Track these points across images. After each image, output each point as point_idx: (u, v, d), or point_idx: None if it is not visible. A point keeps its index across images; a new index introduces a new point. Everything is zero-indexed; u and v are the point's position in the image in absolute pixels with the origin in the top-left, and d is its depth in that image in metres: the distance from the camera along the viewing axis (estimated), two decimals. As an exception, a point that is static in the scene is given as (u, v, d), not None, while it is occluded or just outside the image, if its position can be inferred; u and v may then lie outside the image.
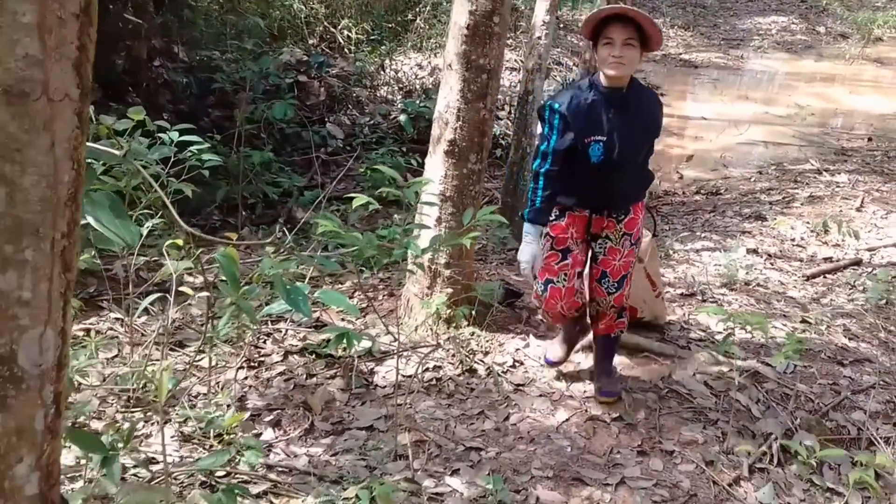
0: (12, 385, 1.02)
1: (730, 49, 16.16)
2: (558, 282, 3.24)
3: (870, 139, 10.17)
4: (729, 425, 3.41)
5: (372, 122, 7.56)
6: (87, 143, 2.15)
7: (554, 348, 3.63)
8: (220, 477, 2.60)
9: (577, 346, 3.76)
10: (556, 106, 3.05)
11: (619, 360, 3.85)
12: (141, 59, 5.41)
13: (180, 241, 2.60)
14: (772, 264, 5.82)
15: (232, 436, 2.51)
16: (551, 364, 3.63)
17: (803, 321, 4.61)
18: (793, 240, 6.44)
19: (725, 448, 3.28)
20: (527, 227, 3.18)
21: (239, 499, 2.44)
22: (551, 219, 3.21)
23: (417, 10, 10.05)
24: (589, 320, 3.51)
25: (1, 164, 0.91)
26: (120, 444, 1.91)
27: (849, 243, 6.33)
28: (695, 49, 15.93)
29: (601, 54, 2.95)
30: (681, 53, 15.43)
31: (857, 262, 5.97)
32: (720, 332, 4.25)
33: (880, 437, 3.49)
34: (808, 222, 6.74)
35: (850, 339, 4.47)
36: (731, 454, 3.25)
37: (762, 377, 3.82)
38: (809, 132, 10.42)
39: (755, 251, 6.00)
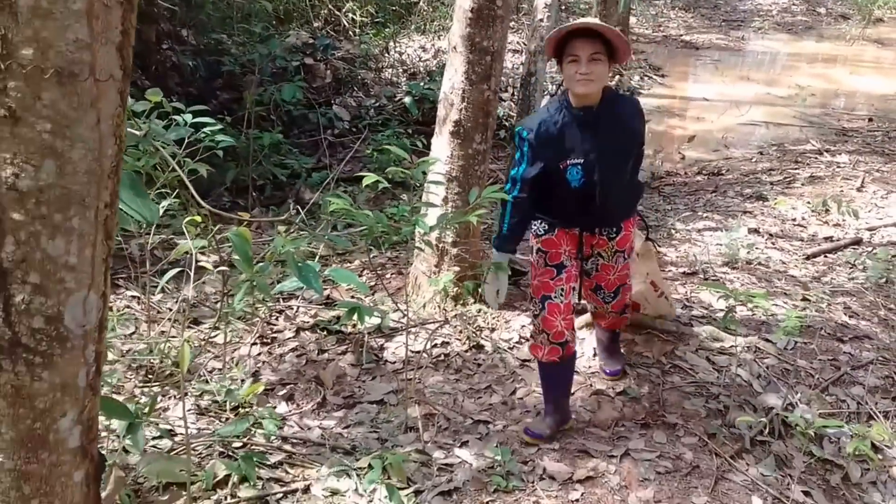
0: (58, 344, 1.09)
1: (730, 30, 16.07)
2: (556, 298, 3.01)
3: (870, 119, 10.13)
4: (730, 399, 3.46)
5: (377, 104, 7.58)
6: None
7: (539, 423, 3.14)
8: (236, 448, 2.66)
9: (581, 322, 3.82)
10: (525, 134, 2.90)
11: (622, 337, 3.92)
12: (150, 43, 5.44)
13: (198, 218, 2.65)
14: (773, 244, 5.85)
15: (248, 407, 2.57)
16: (534, 437, 3.09)
17: (804, 299, 4.66)
18: (794, 220, 6.46)
19: (727, 421, 3.34)
20: (495, 255, 3.09)
21: (256, 468, 2.51)
22: (541, 234, 3.05)
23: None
24: (592, 314, 3.55)
25: (52, 139, 0.97)
26: (144, 413, 1.97)
27: (849, 223, 6.35)
28: (695, 30, 15.85)
29: (567, 72, 2.75)
30: (682, 35, 15.34)
31: (858, 242, 5.98)
32: (722, 310, 4.29)
33: (879, 412, 3.53)
34: (808, 202, 6.75)
35: (850, 316, 4.51)
36: (733, 427, 3.31)
37: (763, 353, 3.87)
38: (810, 113, 10.40)
39: (756, 231, 6.02)
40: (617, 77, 10.68)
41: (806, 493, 3.01)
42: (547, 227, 3.04)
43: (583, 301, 3.48)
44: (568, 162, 2.84)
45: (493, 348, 3.66)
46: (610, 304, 3.26)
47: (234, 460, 2.50)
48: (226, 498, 2.44)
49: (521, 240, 3.13)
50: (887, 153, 8.63)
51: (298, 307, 3.80)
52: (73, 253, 1.05)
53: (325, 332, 3.64)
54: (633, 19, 13.94)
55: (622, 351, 3.68)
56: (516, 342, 3.75)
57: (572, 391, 3.38)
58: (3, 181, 0.97)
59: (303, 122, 6.82)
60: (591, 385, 3.48)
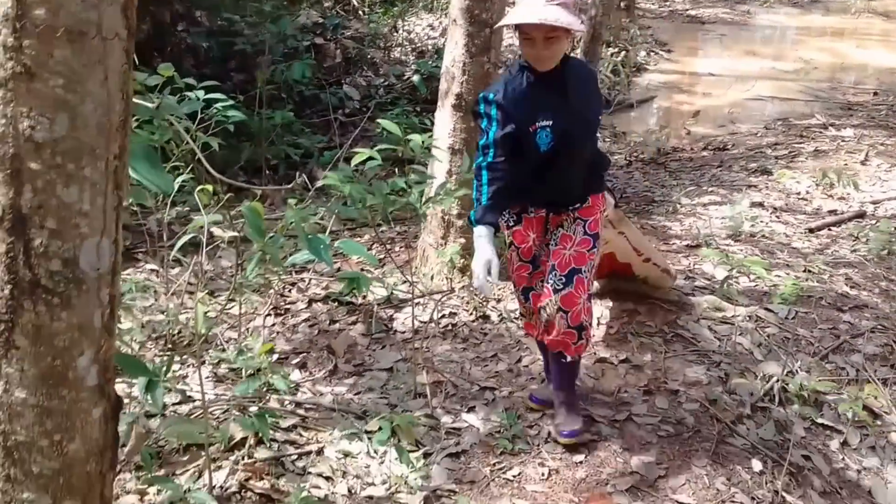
0: (74, 285, 1.14)
1: (736, 4, 15.88)
2: (538, 288, 2.87)
3: (876, 93, 10.05)
4: (732, 367, 3.49)
5: (386, 82, 7.59)
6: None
7: (543, 390, 3.14)
8: (252, 412, 2.72)
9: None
10: (492, 96, 2.66)
11: (623, 308, 3.93)
12: (165, 25, 5.48)
13: (210, 187, 2.69)
14: (777, 217, 5.84)
15: (262, 370, 2.62)
16: (539, 403, 3.10)
17: (806, 270, 4.67)
18: (798, 194, 6.44)
19: (728, 388, 3.37)
20: (476, 230, 2.63)
21: (271, 430, 2.57)
22: (511, 224, 2.86)
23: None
24: (541, 335, 2.89)
25: (64, 94, 1.01)
26: (162, 372, 2.01)
27: (854, 196, 6.34)
28: (701, 5, 15.66)
29: (524, 50, 2.61)
30: (688, 9, 15.19)
31: (861, 215, 5.96)
32: (727, 286, 4.32)
33: (878, 378, 3.56)
34: (813, 176, 6.74)
35: (851, 287, 4.51)
36: (734, 394, 3.34)
37: (764, 322, 3.89)
38: (816, 87, 10.32)
39: (761, 205, 6.01)
40: (623, 53, 10.61)
41: (805, 457, 3.04)
42: (515, 217, 2.84)
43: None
44: (537, 125, 2.63)
45: (499, 318, 3.70)
46: (559, 296, 2.70)
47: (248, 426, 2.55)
48: (242, 458, 2.50)
49: (504, 211, 2.81)
50: (892, 127, 8.57)
51: (310, 280, 3.85)
52: (85, 200, 1.10)
53: (336, 304, 3.69)
54: (639, -6, 13.85)
55: (582, 404, 3.07)
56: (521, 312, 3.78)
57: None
58: (21, 133, 1.01)
59: (314, 101, 6.84)
60: (595, 353, 3.51)
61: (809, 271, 4.64)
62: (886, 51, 12.48)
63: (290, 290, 3.77)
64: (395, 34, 8.45)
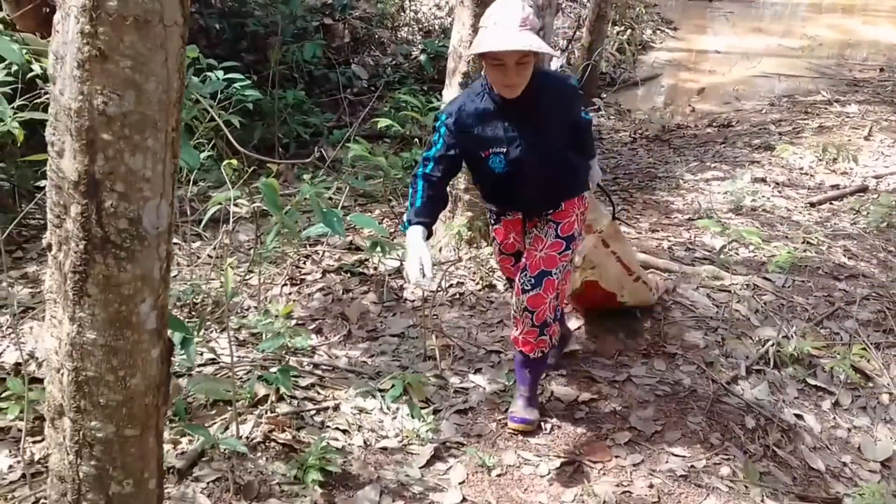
0: (138, 241, 1.33)
1: (745, -18, 15.96)
2: None
3: (882, 70, 10.10)
4: (728, 332, 3.67)
5: (394, 62, 7.75)
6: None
7: (519, 407, 2.97)
8: (273, 372, 2.93)
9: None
10: (444, 118, 2.65)
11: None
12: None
13: (235, 162, 2.89)
14: (779, 192, 5.97)
15: (283, 332, 2.83)
16: (520, 422, 2.94)
17: (805, 242, 4.83)
18: (801, 168, 6.56)
19: (724, 351, 3.56)
20: (408, 231, 2.61)
21: (291, 388, 2.79)
22: (492, 223, 3.01)
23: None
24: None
25: (132, 74, 1.20)
26: (194, 332, 2.22)
27: (856, 171, 6.47)
28: (710, -17, 15.73)
29: (491, 75, 2.52)
30: (696, -12, 15.26)
31: (863, 189, 6.07)
32: (723, 252, 4.50)
33: (871, 343, 3.73)
34: (815, 152, 6.87)
35: (849, 258, 4.67)
36: (730, 357, 3.53)
37: (761, 290, 4.07)
38: (822, 64, 10.37)
39: (763, 180, 6.15)
40: (629, 31, 10.71)
41: (798, 416, 3.23)
42: (496, 217, 2.96)
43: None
44: (490, 151, 2.64)
45: (505, 288, 3.89)
46: (526, 296, 2.73)
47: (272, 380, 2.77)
48: (265, 412, 2.71)
49: (434, 221, 2.71)
50: (896, 103, 8.70)
51: (324, 252, 4.05)
52: (148, 167, 1.29)
53: (348, 274, 3.89)
54: (646, -27, 13.88)
55: (540, 400, 3.10)
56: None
57: (577, 326, 3.63)
58: (95, 108, 1.20)
59: (324, 81, 7.01)
60: (596, 319, 3.70)
61: (808, 243, 4.80)
62: (893, 27, 12.49)
63: (305, 262, 3.97)
64: (403, 14, 8.59)
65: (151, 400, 1.49)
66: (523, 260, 2.81)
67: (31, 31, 1.74)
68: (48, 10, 1.32)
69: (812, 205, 5.72)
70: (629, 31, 10.74)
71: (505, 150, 2.62)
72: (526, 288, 2.74)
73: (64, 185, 1.28)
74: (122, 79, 1.20)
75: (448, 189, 2.80)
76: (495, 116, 2.61)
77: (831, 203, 5.82)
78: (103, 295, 1.35)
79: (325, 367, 3.12)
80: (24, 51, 2.24)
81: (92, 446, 1.48)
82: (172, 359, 1.57)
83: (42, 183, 2.34)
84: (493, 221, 3.00)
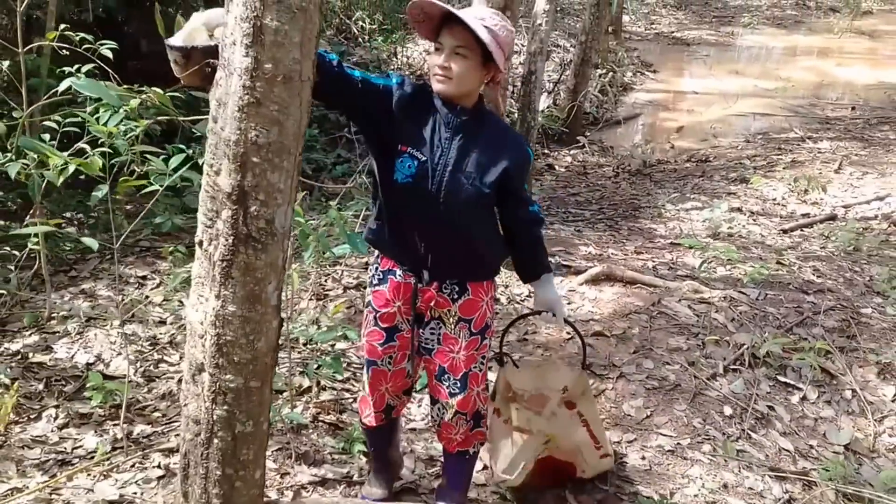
0: (270, 237, 1.88)
1: (721, 26, 16.94)
2: (382, 364, 2.58)
3: (853, 108, 10.95)
4: (708, 337, 4.27)
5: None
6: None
7: (370, 486, 2.88)
8: (313, 369, 3.48)
9: (583, 279, 4.62)
10: (399, 78, 2.33)
11: (615, 292, 4.74)
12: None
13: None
14: (754, 220, 6.65)
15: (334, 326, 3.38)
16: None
17: (777, 262, 5.47)
18: (774, 199, 7.26)
19: (705, 353, 4.15)
20: None
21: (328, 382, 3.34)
22: (374, 283, 2.54)
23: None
24: (435, 431, 2.73)
25: (277, 114, 1.76)
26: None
27: (826, 201, 7.15)
28: (686, 27, 16.70)
29: (429, 61, 2.38)
30: (673, 32, 16.20)
31: (833, 218, 6.74)
32: (703, 271, 5.12)
33: (835, 347, 4.33)
34: (789, 184, 7.56)
35: (817, 276, 5.31)
36: (710, 357, 4.12)
37: (737, 302, 4.70)
38: (796, 104, 11.21)
39: (739, 209, 6.84)
40: (611, 74, 11.50)
41: (770, 408, 3.81)
42: (381, 275, 2.52)
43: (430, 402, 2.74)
44: (407, 147, 2.31)
45: (508, 300, 4.47)
46: (455, 400, 2.54)
47: (313, 373, 3.33)
48: (311, 399, 3.27)
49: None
50: (867, 139, 9.44)
51: (343, 272, 4.62)
52: (282, 182, 1.85)
53: (366, 290, 4.46)
54: (625, 18, 14.77)
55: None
56: (526, 296, 4.56)
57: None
58: (249, 139, 1.76)
59: (323, 120, 7.68)
60: (591, 328, 4.28)
61: (780, 263, 5.44)
62: (868, 68, 13.41)
63: (326, 280, 4.54)
64: (395, 59, 9.30)
65: (269, 360, 2.04)
66: (437, 361, 2.53)
67: (195, 87, 2.31)
68: (210, 69, 1.85)
69: (784, 231, 6.39)
70: (611, 73, 11.55)
71: (423, 156, 2.30)
72: (454, 392, 2.54)
73: (218, 195, 1.84)
74: (270, 118, 1.76)
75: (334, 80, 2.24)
76: (432, 115, 2.33)
77: (802, 230, 6.50)
78: (243, 278, 1.90)
79: (356, 366, 3.66)
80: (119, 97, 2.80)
81: (225, 395, 2.01)
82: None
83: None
84: (375, 282, 2.54)
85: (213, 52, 1.84)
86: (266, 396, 2.10)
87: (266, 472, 2.33)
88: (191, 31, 1.95)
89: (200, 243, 1.94)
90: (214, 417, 2.04)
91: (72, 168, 2.52)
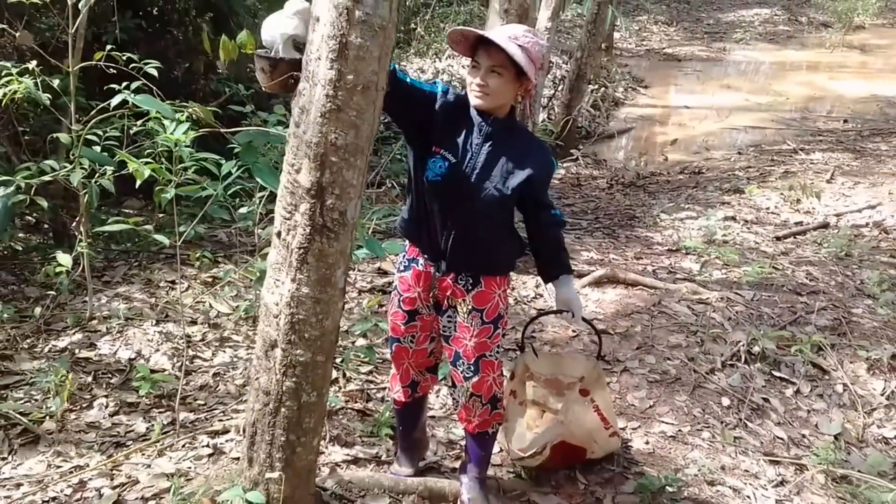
0: (341, 228, 2.27)
1: (712, 42, 17.53)
2: (405, 342, 2.95)
3: (845, 121, 11.45)
4: (706, 335, 4.70)
5: (386, 119, 8.91)
6: (254, 128, 3.47)
7: (398, 465, 3.27)
8: (338, 363, 3.89)
9: (586, 281, 5.07)
10: (444, 87, 2.70)
11: (617, 293, 5.19)
12: (198, 73, 6.78)
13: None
14: (748, 228, 7.08)
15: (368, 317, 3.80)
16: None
17: (771, 267, 5.92)
18: (767, 208, 7.70)
19: (703, 350, 4.56)
20: None
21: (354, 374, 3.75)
22: (400, 270, 2.90)
23: (418, 19, 11.62)
24: (456, 413, 3.06)
25: (355, 119, 2.16)
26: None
27: (819, 210, 7.59)
28: (678, 43, 17.29)
29: (467, 78, 2.62)
30: (664, 48, 16.76)
31: (825, 226, 7.13)
32: (699, 273, 5.60)
33: (827, 344, 4.74)
34: (782, 193, 8.03)
35: (810, 279, 5.72)
36: (708, 354, 4.53)
37: (734, 302, 5.14)
38: (789, 117, 11.70)
39: (733, 218, 7.28)
40: (603, 89, 12.03)
41: (765, 400, 4.22)
42: (406, 263, 2.88)
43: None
44: (440, 149, 2.63)
45: (515, 301, 4.91)
46: (470, 383, 2.85)
47: (339, 365, 3.76)
48: (339, 389, 3.69)
49: None
50: (858, 150, 9.90)
51: (356, 277, 5.05)
52: (354, 178, 2.24)
53: (380, 293, 4.89)
54: (616, 34, 15.31)
55: (488, 483, 3.20)
56: (532, 297, 5.01)
57: (578, 332, 4.61)
58: (329, 141, 2.17)
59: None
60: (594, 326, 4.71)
61: (774, 268, 5.89)
62: (861, 81, 13.94)
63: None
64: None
65: (333, 337, 2.43)
66: (452, 346, 2.85)
67: (274, 94, 2.76)
68: (293, 80, 2.25)
69: (778, 238, 6.82)
70: (602, 88, 12.07)
71: (454, 158, 2.61)
72: (468, 375, 2.84)
73: (297, 191, 2.24)
74: (348, 123, 2.16)
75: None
76: (467, 123, 2.64)
77: (795, 237, 6.90)
78: (317, 263, 2.27)
79: (378, 361, 4.08)
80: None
81: (295, 368, 2.38)
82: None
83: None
84: (402, 268, 2.90)
85: (297, 64, 2.19)
86: (328, 370, 2.50)
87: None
88: (278, 44, 2.23)
89: (279, 234, 2.34)
90: (284, 388, 2.40)
91: (147, 173, 2.94)
